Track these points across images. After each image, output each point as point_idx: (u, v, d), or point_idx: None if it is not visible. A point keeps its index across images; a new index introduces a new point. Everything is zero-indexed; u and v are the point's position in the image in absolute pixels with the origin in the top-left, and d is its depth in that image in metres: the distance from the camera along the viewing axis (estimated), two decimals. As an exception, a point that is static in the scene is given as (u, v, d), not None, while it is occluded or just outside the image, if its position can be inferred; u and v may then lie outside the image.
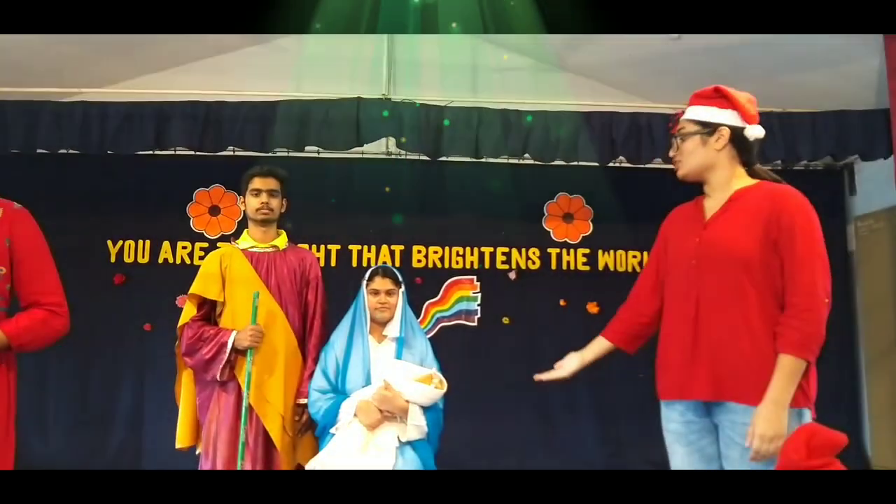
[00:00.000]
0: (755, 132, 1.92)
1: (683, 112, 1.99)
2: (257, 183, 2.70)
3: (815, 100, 4.21)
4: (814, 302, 1.78)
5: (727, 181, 1.93)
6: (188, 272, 4.63)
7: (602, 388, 4.84)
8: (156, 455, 4.63)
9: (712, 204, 1.96)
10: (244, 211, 2.74)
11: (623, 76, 4.92)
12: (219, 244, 4.80)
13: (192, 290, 2.62)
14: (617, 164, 4.60)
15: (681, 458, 1.94)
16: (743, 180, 1.94)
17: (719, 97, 1.92)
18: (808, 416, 1.79)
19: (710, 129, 1.91)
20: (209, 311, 2.63)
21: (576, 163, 4.48)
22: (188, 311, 2.60)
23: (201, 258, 4.79)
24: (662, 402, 2.02)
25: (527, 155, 4.39)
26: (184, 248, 4.88)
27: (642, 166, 4.49)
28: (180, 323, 2.59)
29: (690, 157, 1.93)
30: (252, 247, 2.70)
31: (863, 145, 4.10)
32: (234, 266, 2.65)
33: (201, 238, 4.91)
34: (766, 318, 1.81)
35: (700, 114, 1.93)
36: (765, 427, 1.68)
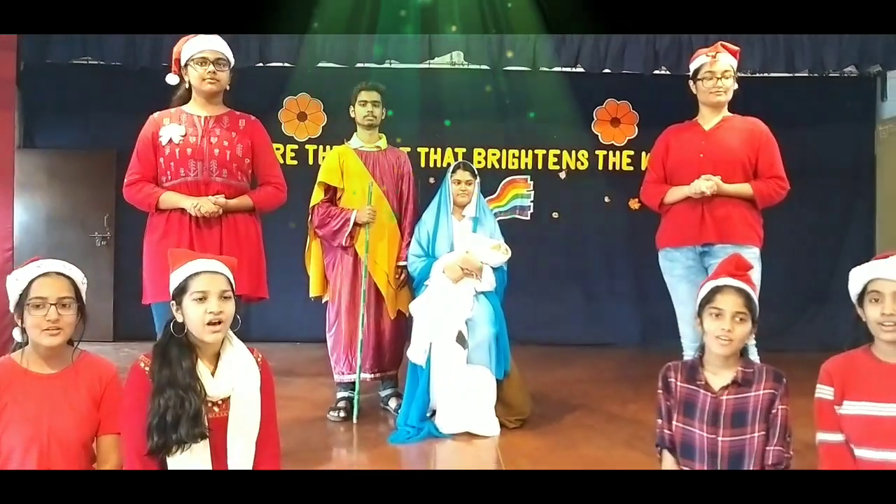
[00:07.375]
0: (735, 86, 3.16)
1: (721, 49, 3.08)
2: (363, 96, 3.66)
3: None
4: (784, 182, 3.12)
5: (724, 110, 3.15)
6: (282, 170, 5.71)
7: (641, 276, 5.82)
8: (277, 325, 5.76)
9: (708, 123, 3.15)
10: (354, 118, 3.70)
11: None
12: (307, 146, 5.85)
13: (319, 178, 3.63)
14: (662, 73, 5.36)
15: (684, 292, 3.07)
16: (727, 111, 3.18)
17: (736, 56, 3.10)
18: (758, 251, 3.00)
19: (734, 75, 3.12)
20: (332, 195, 3.66)
21: (624, 72, 5.28)
22: (318, 195, 3.63)
23: (292, 158, 5.88)
24: (667, 256, 3.17)
25: (579, 66, 5.21)
26: (277, 149, 5.86)
27: (684, 74, 5.22)
28: (312, 203, 3.62)
29: (731, 91, 3.09)
30: (361, 147, 3.70)
31: (884, 56, 4.80)
32: (348, 161, 3.65)
33: (291, 140, 5.95)
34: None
35: (734, 63, 3.10)
36: (708, 181, 2.97)
